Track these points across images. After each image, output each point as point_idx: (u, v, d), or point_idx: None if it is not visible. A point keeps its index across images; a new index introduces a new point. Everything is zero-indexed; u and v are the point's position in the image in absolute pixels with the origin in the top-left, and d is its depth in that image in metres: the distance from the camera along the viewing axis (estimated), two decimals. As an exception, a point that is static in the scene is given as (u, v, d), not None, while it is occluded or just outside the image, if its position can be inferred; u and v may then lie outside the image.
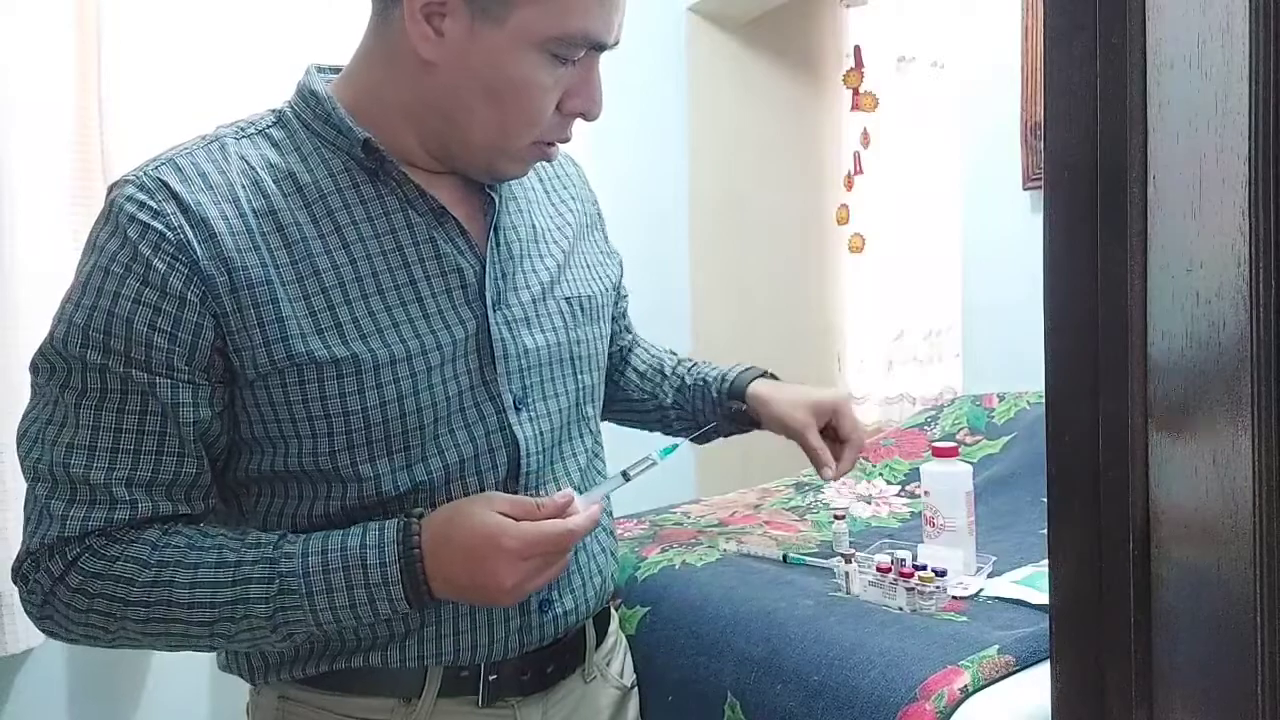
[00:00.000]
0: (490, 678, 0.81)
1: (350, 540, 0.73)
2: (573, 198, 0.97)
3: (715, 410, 1.13)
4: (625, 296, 1.13)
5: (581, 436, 0.90)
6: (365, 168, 0.78)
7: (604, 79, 0.82)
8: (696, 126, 2.68)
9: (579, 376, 0.88)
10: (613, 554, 0.96)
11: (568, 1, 0.72)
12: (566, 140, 0.82)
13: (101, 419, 0.71)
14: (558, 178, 0.97)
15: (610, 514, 0.98)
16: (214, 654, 0.87)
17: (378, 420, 0.75)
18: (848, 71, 2.92)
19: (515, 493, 0.81)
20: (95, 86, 1.64)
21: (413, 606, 0.73)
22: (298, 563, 0.72)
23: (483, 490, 0.80)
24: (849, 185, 2.99)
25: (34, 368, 0.74)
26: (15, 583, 0.74)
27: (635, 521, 1.46)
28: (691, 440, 1.00)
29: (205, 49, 1.77)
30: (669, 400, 1.15)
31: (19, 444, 0.73)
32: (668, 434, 1.17)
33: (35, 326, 1.56)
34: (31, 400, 0.74)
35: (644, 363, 1.18)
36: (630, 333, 1.18)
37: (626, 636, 1.05)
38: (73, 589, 0.71)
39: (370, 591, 0.72)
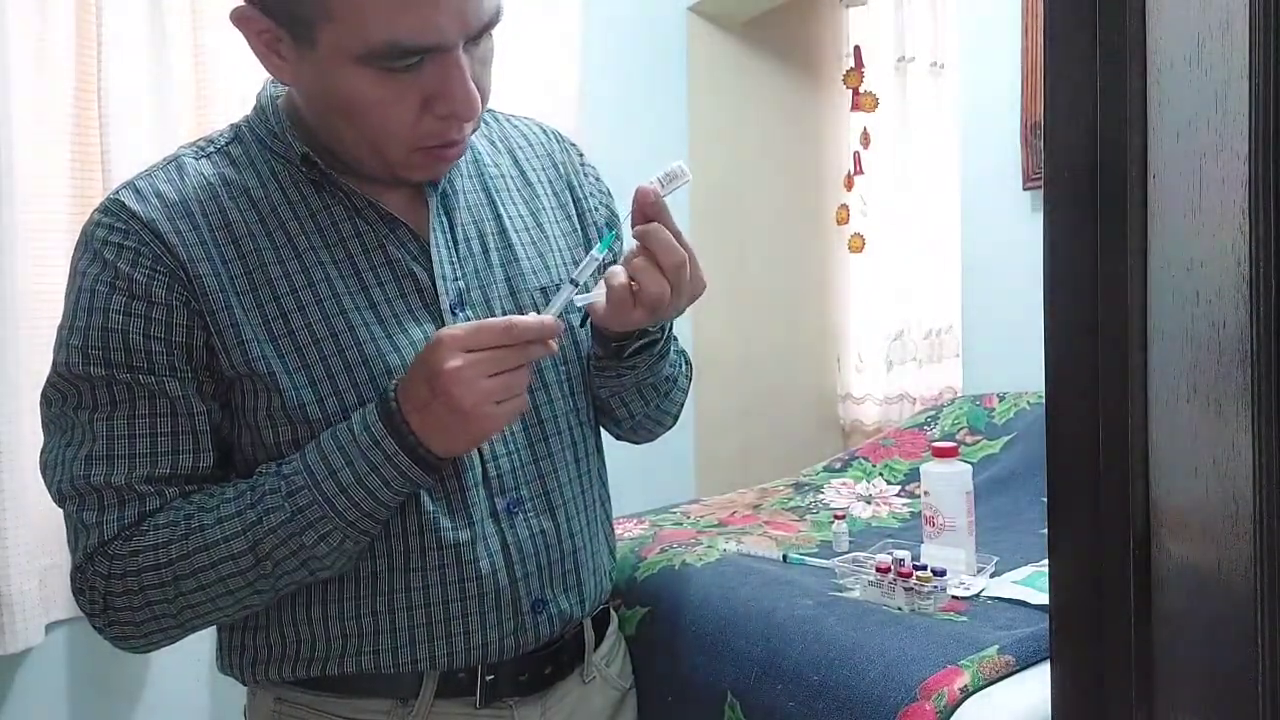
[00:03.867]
0: (487, 678, 0.81)
1: (340, 425, 0.75)
2: (554, 171, 0.94)
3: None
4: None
5: (571, 429, 0.88)
6: (311, 179, 0.80)
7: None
8: (696, 126, 2.67)
9: (559, 368, 0.86)
10: (611, 553, 0.95)
11: (364, 16, 0.67)
12: (456, 142, 0.77)
13: (115, 428, 0.74)
14: (537, 157, 0.94)
15: (609, 513, 0.97)
16: (213, 656, 0.87)
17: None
18: (848, 71, 2.92)
19: (491, 496, 0.81)
20: (95, 87, 1.64)
21: (405, 450, 0.72)
22: (298, 462, 0.74)
23: (462, 494, 0.80)
24: (849, 185, 2.99)
25: (45, 400, 0.77)
26: (76, 600, 0.77)
27: (635, 521, 1.46)
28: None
29: (205, 49, 1.77)
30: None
31: (43, 475, 0.77)
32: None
33: (34, 327, 1.56)
34: (45, 434, 0.78)
35: None
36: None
37: (626, 637, 1.05)
38: (120, 576, 0.74)
39: (366, 455, 0.72)
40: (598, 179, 0.99)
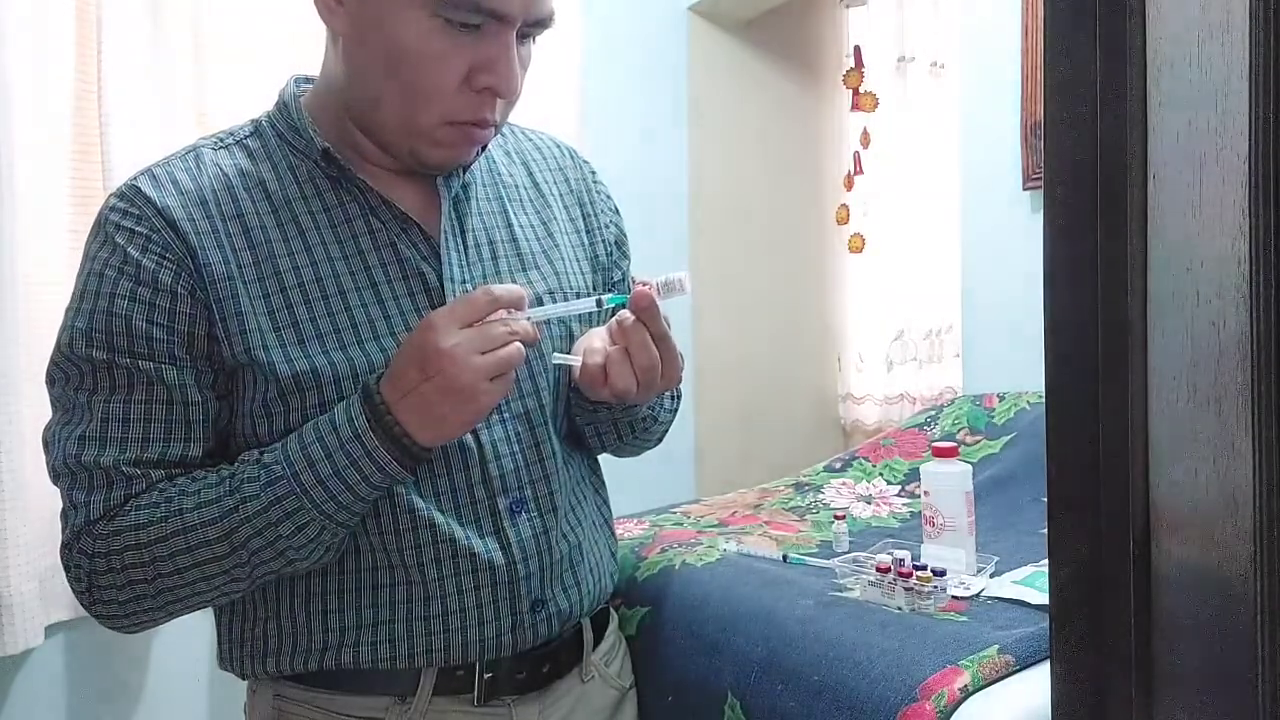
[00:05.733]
0: (486, 676, 0.81)
1: (322, 417, 0.75)
2: (566, 186, 0.96)
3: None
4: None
5: (565, 441, 0.89)
6: (329, 175, 0.80)
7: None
8: (696, 126, 2.67)
9: (561, 371, 0.87)
10: (612, 554, 0.95)
11: None
12: (487, 123, 0.78)
13: (111, 411, 0.75)
14: (550, 170, 0.96)
15: (608, 515, 0.97)
16: (213, 655, 0.87)
17: None
18: (848, 71, 2.92)
19: (493, 497, 0.81)
20: (95, 87, 1.64)
21: (388, 443, 0.72)
22: (279, 452, 0.74)
23: (467, 491, 0.80)
24: (849, 185, 2.99)
25: (49, 379, 0.78)
26: (66, 577, 0.78)
27: (635, 521, 1.46)
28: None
29: (205, 49, 1.77)
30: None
31: (44, 451, 0.78)
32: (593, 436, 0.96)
33: (34, 326, 1.56)
34: (51, 411, 0.79)
35: None
36: None
37: (626, 637, 1.05)
38: (104, 555, 0.75)
39: (345, 448, 0.72)
40: (608, 197, 1.00)
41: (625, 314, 0.77)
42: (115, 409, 0.75)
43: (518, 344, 0.72)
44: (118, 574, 0.75)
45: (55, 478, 0.77)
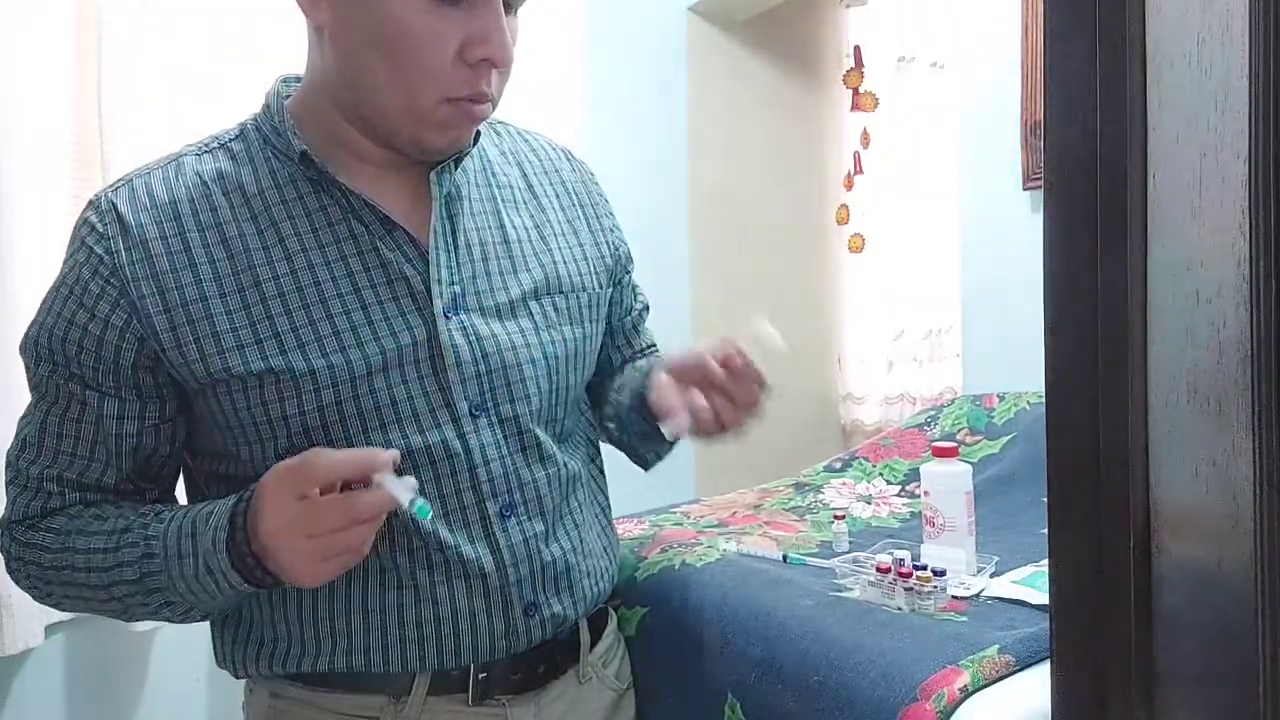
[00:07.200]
0: (480, 676, 0.81)
1: (205, 507, 0.74)
2: (563, 188, 0.95)
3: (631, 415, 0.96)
4: (637, 309, 1.05)
5: (564, 435, 0.89)
6: (309, 178, 0.80)
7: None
8: (696, 126, 2.67)
9: (554, 378, 0.85)
10: (611, 556, 0.95)
11: None
12: (484, 96, 0.77)
13: (48, 422, 0.78)
14: (545, 173, 0.95)
15: (608, 516, 0.97)
16: (211, 651, 0.87)
17: (316, 424, 0.76)
18: (848, 71, 2.92)
19: (482, 502, 0.80)
20: (95, 87, 1.64)
21: (240, 575, 0.71)
22: (162, 529, 0.74)
23: (456, 497, 0.79)
24: (849, 185, 2.99)
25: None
26: None
27: (635, 521, 1.46)
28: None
29: (205, 50, 1.77)
30: (610, 409, 1.00)
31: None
32: (628, 452, 1.05)
33: (35, 327, 1.56)
34: None
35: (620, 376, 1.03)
36: (633, 347, 1.05)
37: (626, 637, 1.05)
38: (17, 558, 0.79)
39: (205, 558, 0.72)
40: (606, 200, 1.00)
41: (720, 370, 0.83)
42: (51, 421, 0.78)
43: (356, 529, 0.68)
44: (25, 578, 0.79)
45: (6, 465, 0.80)
